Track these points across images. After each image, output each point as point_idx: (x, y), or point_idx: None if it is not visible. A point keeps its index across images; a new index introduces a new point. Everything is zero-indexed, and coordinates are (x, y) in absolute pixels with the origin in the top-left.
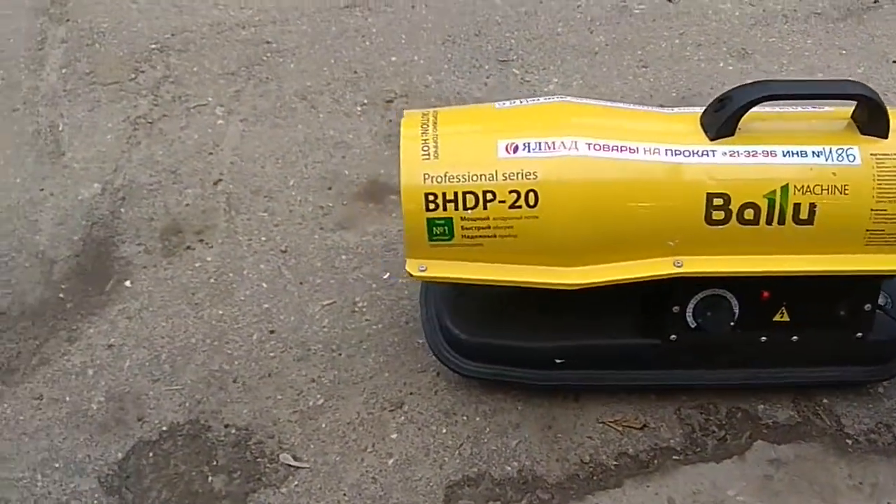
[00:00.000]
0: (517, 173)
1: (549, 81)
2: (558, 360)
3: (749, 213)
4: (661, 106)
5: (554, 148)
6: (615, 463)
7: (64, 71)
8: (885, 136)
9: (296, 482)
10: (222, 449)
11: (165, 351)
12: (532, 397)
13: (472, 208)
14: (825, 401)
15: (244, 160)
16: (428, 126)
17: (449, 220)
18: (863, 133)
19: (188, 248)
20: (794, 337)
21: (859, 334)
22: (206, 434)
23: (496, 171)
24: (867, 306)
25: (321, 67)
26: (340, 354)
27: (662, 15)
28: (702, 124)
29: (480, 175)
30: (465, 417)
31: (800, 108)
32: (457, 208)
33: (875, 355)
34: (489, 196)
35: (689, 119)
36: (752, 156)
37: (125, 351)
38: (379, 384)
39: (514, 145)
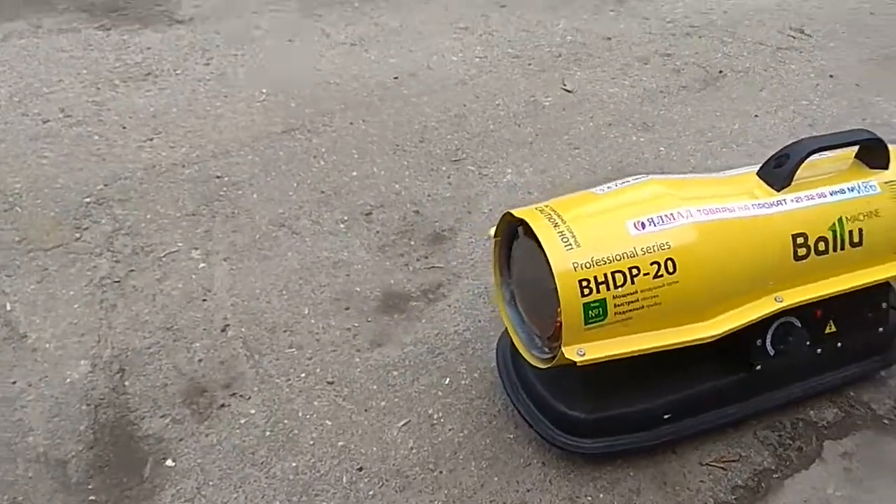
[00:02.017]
0: (653, 246)
1: (505, 172)
2: (666, 416)
3: (822, 245)
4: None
5: (675, 219)
6: (734, 497)
7: None
8: (887, 167)
9: None
10: None
11: None
12: (637, 460)
13: (621, 286)
14: (852, 394)
15: (245, 299)
16: (555, 219)
17: (603, 301)
18: (870, 167)
19: (222, 406)
20: (839, 343)
21: (881, 329)
22: None
23: (635, 248)
24: (884, 304)
25: (286, 193)
26: (441, 472)
27: (569, 104)
28: (764, 180)
29: (623, 254)
30: (588, 498)
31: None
32: (608, 288)
33: (886, 345)
34: (634, 271)
35: (748, 178)
36: (811, 199)
37: None
38: (493, 490)
39: (640, 223)
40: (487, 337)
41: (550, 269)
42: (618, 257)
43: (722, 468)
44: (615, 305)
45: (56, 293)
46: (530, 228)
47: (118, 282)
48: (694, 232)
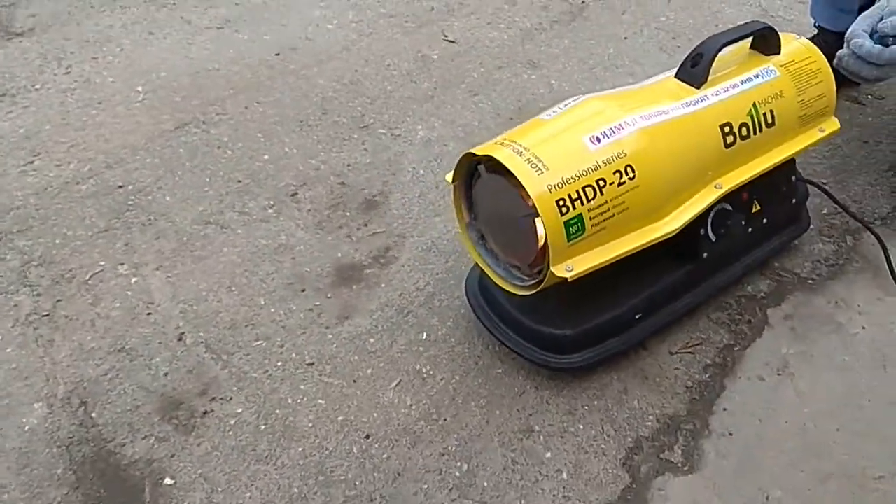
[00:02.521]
0: (612, 157)
1: (416, 130)
2: (637, 317)
3: (744, 131)
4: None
5: (623, 128)
6: (707, 376)
7: None
8: (779, 52)
9: None
10: None
11: None
12: (617, 364)
13: (593, 199)
14: (777, 264)
15: (193, 304)
16: (518, 148)
17: (580, 217)
18: (766, 55)
19: (205, 413)
20: (764, 220)
21: (793, 200)
22: None
23: (597, 161)
24: (793, 177)
25: (200, 189)
26: (445, 419)
27: (456, 55)
28: (684, 81)
29: (588, 169)
30: (586, 408)
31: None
32: (583, 203)
33: (797, 214)
34: (601, 183)
35: (669, 82)
36: (728, 91)
37: None
38: (498, 423)
39: (595, 137)
40: (449, 287)
41: (528, 195)
42: (584, 172)
43: (690, 353)
44: (591, 218)
45: None
46: (494, 164)
47: (47, 315)
48: (643, 137)
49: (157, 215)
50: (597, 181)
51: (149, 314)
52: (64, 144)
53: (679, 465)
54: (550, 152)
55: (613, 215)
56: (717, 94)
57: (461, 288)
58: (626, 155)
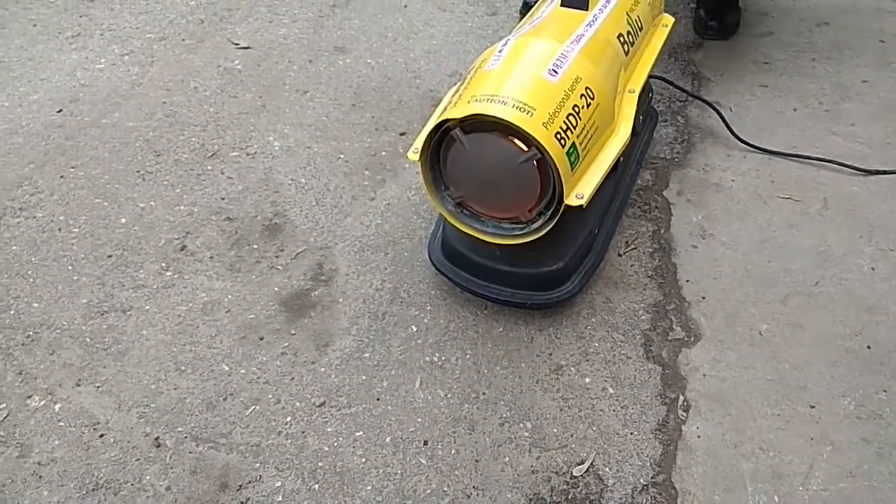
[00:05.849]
0: (573, 84)
1: (268, 143)
2: (595, 232)
3: (631, 37)
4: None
5: (567, 56)
6: (657, 261)
7: None
8: None
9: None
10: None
11: None
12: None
13: (577, 125)
14: (646, 156)
15: (149, 402)
16: (498, 99)
17: (574, 145)
18: None
19: None
20: (642, 117)
21: (650, 95)
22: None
23: (565, 91)
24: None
25: (69, 280)
26: (484, 393)
27: (260, 59)
28: (571, 6)
29: (562, 100)
30: (590, 328)
31: None
32: (571, 132)
33: (650, 108)
34: (576, 109)
35: (561, 11)
36: (606, 6)
37: None
38: (531, 374)
39: (551, 70)
40: (405, 276)
41: (529, 139)
42: (561, 104)
43: (633, 249)
44: (580, 143)
45: None
46: (478, 123)
47: None
48: (584, 59)
49: (36, 327)
50: (573, 108)
51: (102, 436)
52: None
53: (685, 339)
54: (525, 94)
55: (591, 136)
56: (601, 12)
57: (417, 272)
58: (581, 79)
